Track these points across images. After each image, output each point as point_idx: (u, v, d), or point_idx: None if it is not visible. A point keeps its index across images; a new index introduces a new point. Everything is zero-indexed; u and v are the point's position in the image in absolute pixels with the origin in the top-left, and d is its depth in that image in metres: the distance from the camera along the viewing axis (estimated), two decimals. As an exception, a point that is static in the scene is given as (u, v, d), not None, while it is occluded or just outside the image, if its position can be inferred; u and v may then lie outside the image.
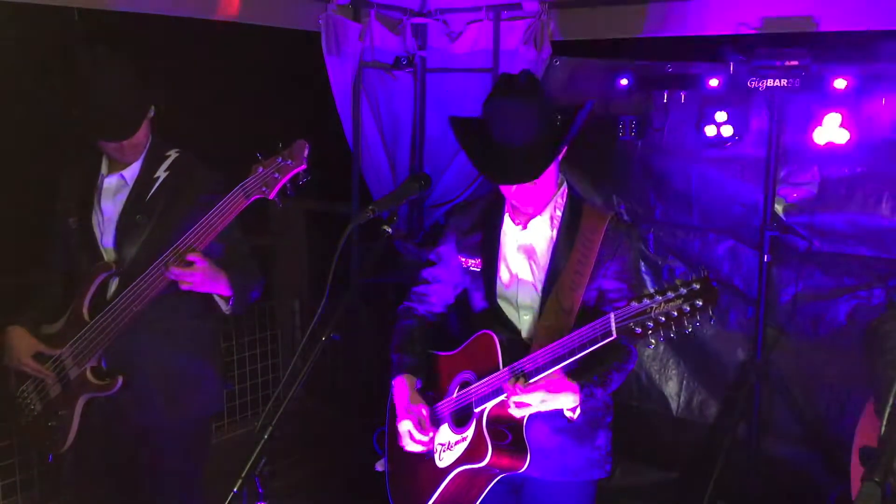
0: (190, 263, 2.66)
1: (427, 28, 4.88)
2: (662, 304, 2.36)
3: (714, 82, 3.98)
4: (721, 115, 4.06)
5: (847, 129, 3.78)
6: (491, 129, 2.58)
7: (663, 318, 2.35)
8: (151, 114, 2.87)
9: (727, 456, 4.18)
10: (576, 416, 2.62)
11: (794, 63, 3.71)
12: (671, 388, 4.58)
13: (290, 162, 2.62)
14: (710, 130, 4.10)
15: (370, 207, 2.61)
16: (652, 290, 2.37)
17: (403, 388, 2.70)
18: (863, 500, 1.95)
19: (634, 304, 2.41)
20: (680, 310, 2.33)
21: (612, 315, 2.44)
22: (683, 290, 2.34)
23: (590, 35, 4.61)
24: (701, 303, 2.30)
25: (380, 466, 3.03)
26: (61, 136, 3.15)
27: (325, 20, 4.45)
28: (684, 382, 4.57)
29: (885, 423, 2.11)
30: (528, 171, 2.58)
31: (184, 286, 2.70)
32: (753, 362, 4.27)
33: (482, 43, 4.76)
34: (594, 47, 4.62)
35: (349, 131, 4.70)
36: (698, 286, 2.31)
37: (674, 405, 4.58)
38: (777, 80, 3.77)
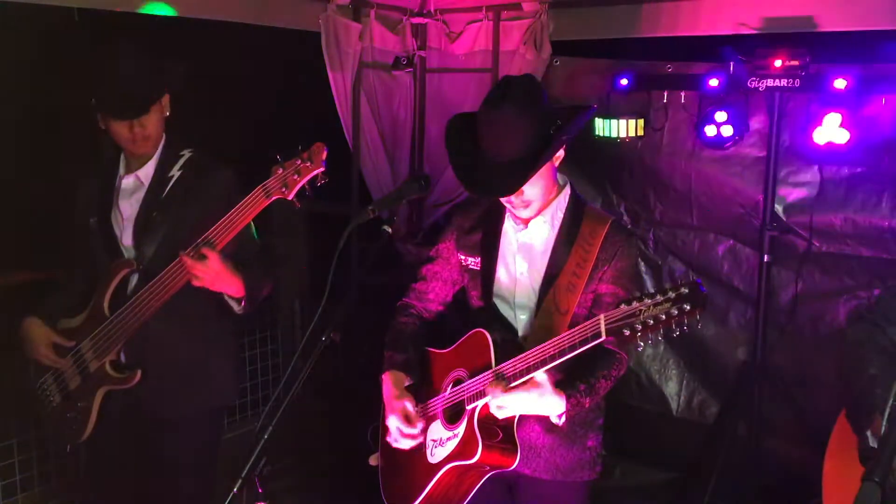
0: (203, 257, 2.70)
1: (427, 28, 4.91)
2: (651, 308, 2.36)
3: (714, 82, 4.00)
4: (721, 115, 4.08)
5: (847, 129, 3.79)
6: (481, 139, 2.61)
7: (652, 321, 2.35)
8: (166, 113, 2.96)
9: (727, 456, 4.19)
10: (561, 423, 2.65)
11: (795, 63, 3.73)
12: (671, 388, 4.61)
13: (309, 164, 2.66)
14: (710, 130, 4.11)
15: (370, 207, 2.64)
16: (641, 294, 2.38)
17: (390, 384, 2.72)
18: (863, 500, 1.95)
19: (624, 306, 2.40)
20: (668, 313, 2.33)
21: (602, 317, 2.43)
22: (672, 294, 2.34)
23: (590, 35, 4.65)
24: (689, 307, 2.31)
25: (373, 461, 3.06)
26: (79, 136, 3.26)
27: (325, 20, 4.47)
28: (684, 382, 4.60)
29: (885, 422, 2.09)
30: (508, 186, 2.60)
31: (195, 282, 2.74)
32: (753, 362, 4.27)
33: (482, 43, 4.84)
34: (594, 47, 4.64)
35: (349, 131, 4.75)
36: (687, 290, 2.31)
37: (674, 405, 4.61)
38: (777, 80, 3.79)
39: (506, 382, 2.53)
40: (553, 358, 2.49)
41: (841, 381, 2.87)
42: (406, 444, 2.80)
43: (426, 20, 4.89)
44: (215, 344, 3.15)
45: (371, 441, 3.15)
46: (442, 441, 2.80)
